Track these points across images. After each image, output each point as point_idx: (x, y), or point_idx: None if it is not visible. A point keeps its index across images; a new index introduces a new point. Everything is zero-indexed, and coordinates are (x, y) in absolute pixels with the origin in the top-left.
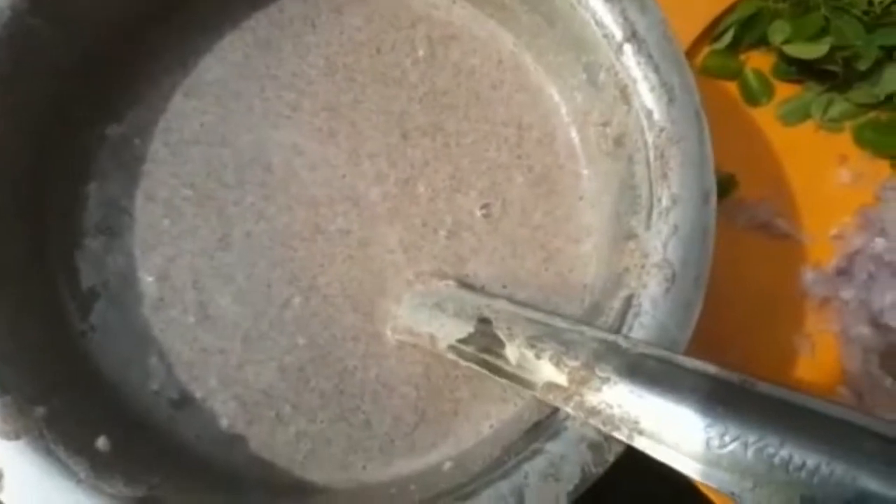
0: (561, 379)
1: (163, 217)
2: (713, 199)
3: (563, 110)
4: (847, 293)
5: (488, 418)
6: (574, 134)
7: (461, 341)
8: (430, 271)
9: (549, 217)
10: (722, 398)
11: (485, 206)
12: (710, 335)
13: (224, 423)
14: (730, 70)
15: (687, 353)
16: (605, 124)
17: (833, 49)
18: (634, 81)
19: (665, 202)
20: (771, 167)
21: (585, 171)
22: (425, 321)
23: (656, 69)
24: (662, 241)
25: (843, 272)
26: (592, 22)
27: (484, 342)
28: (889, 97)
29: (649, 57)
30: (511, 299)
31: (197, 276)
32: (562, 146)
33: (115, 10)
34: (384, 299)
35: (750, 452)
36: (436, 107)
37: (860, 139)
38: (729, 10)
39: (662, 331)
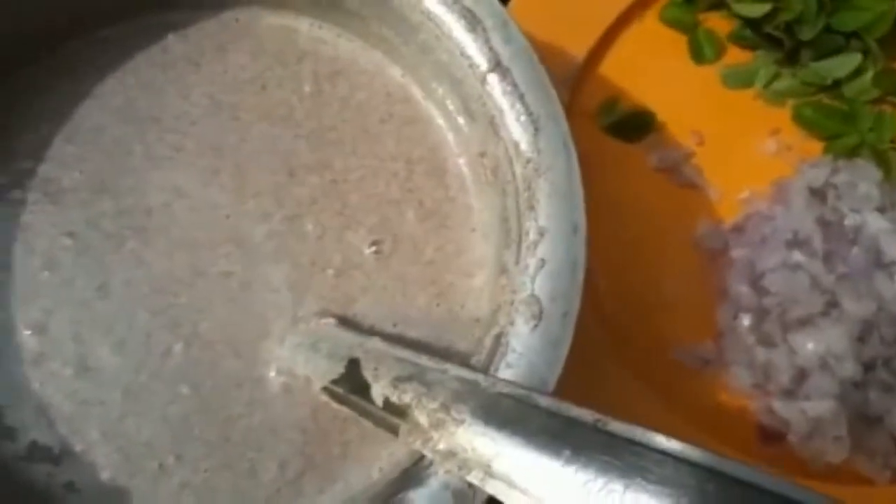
0: (421, 421)
1: (41, 269)
2: (582, 231)
3: (452, 141)
4: (737, 252)
5: (378, 460)
6: (463, 165)
7: (334, 382)
8: (315, 311)
9: (441, 252)
10: (572, 440)
11: (375, 243)
12: (604, 259)
13: (106, 475)
14: (684, 24)
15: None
16: (482, 155)
17: (777, 11)
18: (501, 112)
19: (532, 235)
20: (700, 121)
21: (476, 203)
22: (302, 363)
23: (522, 99)
24: (530, 275)
25: (738, 230)
26: (457, 52)
27: (353, 383)
28: (837, 82)
29: (514, 86)
30: (390, 338)
31: (76, 327)
32: (452, 178)
33: None
34: (268, 342)
35: (596, 498)
36: (323, 143)
37: (798, 116)
38: None
39: (530, 369)
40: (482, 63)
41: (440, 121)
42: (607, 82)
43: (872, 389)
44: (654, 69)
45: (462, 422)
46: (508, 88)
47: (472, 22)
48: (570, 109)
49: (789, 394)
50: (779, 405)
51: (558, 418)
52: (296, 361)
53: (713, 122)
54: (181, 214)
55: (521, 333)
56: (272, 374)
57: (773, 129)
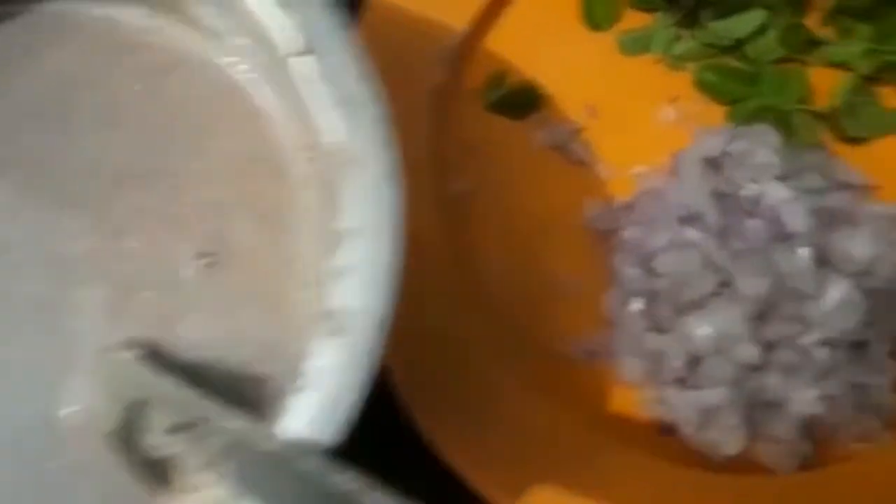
0: (182, 478)
1: None
2: (399, 232)
3: (290, 137)
4: (627, 232)
5: None
6: (303, 163)
7: (119, 425)
8: (126, 339)
9: (278, 260)
10: None
11: (206, 255)
12: (491, 245)
13: None
14: None
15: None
16: (308, 148)
17: None
18: (311, 100)
19: (341, 237)
20: (594, 93)
21: (315, 204)
22: (98, 401)
23: (332, 83)
24: (335, 284)
25: (627, 208)
26: (266, 34)
27: (134, 428)
28: (740, 42)
29: (324, 70)
30: (197, 370)
31: None
32: (293, 178)
33: None
34: (71, 376)
35: None
36: (155, 146)
37: (700, 80)
38: None
39: (331, 394)
40: (291, 46)
41: (277, 114)
42: (493, 56)
43: (773, 373)
44: (546, 39)
45: (219, 483)
46: (317, 73)
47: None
48: (452, 88)
49: (682, 382)
50: (670, 395)
51: (312, 487)
52: (94, 400)
53: (608, 93)
54: None
55: (322, 353)
56: (71, 412)
57: (672, 96)
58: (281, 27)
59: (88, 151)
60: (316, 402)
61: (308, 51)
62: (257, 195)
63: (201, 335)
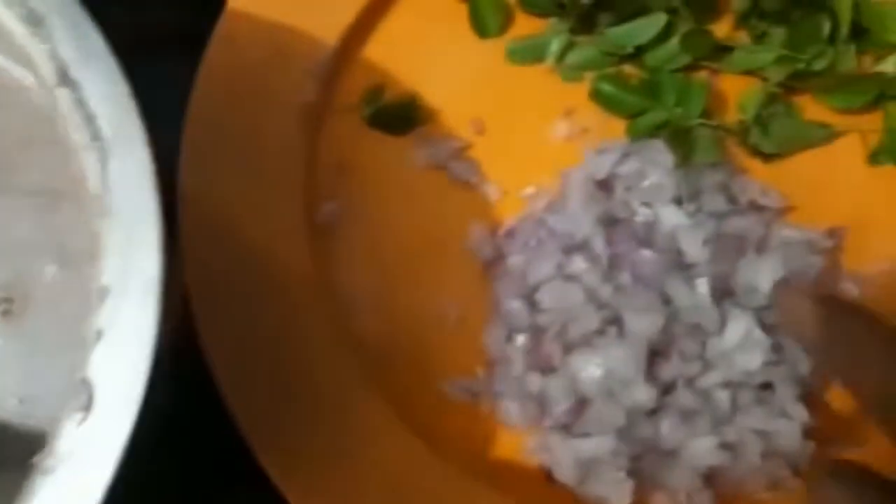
0: None
1: None
2: (157, 290)
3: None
4: (511, 260)
5: None
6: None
7: None
8: None
9: (85, 307)
10: None
11: (4, 302)
12: (366, 274)
13: None
14: None
15: None
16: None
17: None
18: (71, 136)
19: (95, 296)
20: (481, 106)
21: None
22: None
23: (92, 120)
24: (85, 350)
25: (510, 234)
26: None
27: None
28: (640, 50)
29: (84, 104)
30: None
31: None
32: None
33: None
34: None
35: None
36: None
37: (596, 92)
38: None
39: (76, 474)
40: (49, 76)
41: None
42: (373, 67)
43: (668, 418)
44: (429, 47)
45: None
46: (77, 106)
47: (34, 21)
48: (325, 104)
49: (566, 429)
50: (551, 442)
51: None
52: None
53: (497, 107)
54: None
55: (68, 428)
56: None
57: (567, 109)
58: (39, 55)
59: None
60: (63, 489)
61: (63, 83)
62: (61, 233)
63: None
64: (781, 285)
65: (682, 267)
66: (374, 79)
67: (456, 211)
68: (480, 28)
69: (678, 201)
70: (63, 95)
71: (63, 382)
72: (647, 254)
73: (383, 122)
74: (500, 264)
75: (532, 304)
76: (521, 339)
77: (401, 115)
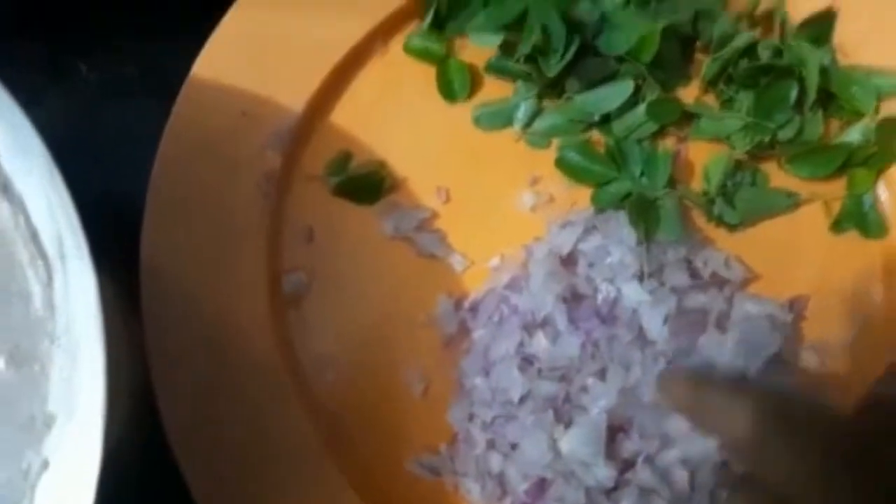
0: None
1: None
2: (101, 417)
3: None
4: (476, 335)
5: None
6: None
7: None
8: None
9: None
10: None
11: None
12: (335, 348)
13: None
14: (432, 54)
15: None
16: None
17: (513, 42)
18: (14, 252)
19: (39, 424)
20: (448, 174)
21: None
22: None
23: (34, 238)
24: (30, 483)
25: (474, 309)
26: None
27: None
28: (606, 117)
29: (26, 219)
30: None
31: None
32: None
33: None
34: None
35: None
36: None
37: (561, 161)
38: None
39: None
40: None
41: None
42: (339, 134)
43: (627, 496)
44: (398, 112)
45: None
46: (20, 221)
47: None
48: (289, 173)
49: None
50: None
51: None
52: None
53: (464, 174)
54: None
55: None
56: None
57: (534, 177)
58: None
59: None
60: None
61: (5, 196)
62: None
63: None
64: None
65: (644, 343)
66: (340, 146)
67: (422, 282)
68: (448, 92)
69: (641, 277)
70: (5, 209)
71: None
72: (609, 331)
73: (349, 192)
74: (465, 338)
75: (490, 382)
76: (481, 418)
77: (367, 185)
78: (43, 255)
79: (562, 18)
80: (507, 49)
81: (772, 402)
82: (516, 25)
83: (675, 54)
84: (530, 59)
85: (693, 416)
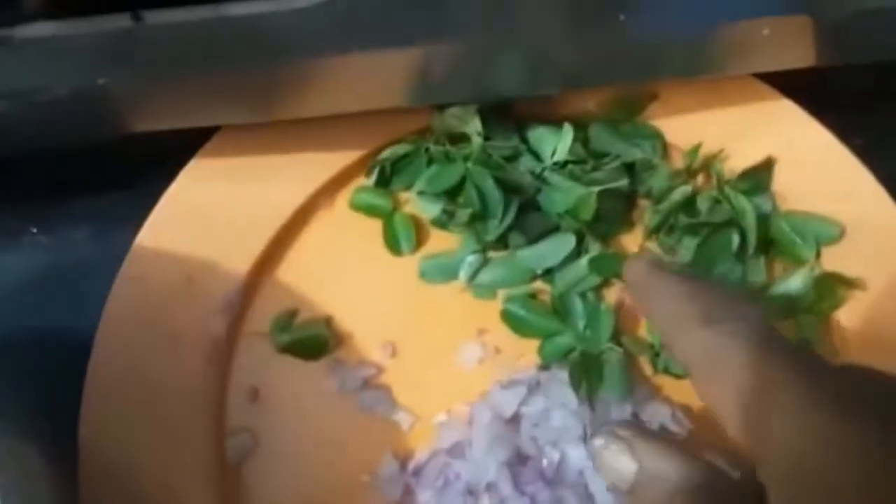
0: None
1: None
2: None
3: None
4: (421, 498)
5: None
6: None
7: None
8: None
9: None
10: None
11: None
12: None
13: None
14: (378, 210)
15: None
16: None
17: (452, 210)
18: None
19: None
20: (394, 328)
21: None
22: None
23: None
24: None
25: (418, 474)
26: None
27: None
28: (550, 270)
29: None
30: None
31: None
32: None
33: None
34: None
35: None
36: None
37: (506, 314)
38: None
39: None
40: None
41: None
42: (284, 292)
43: None
44: (344, 267)
45: None
46: None
47: None
48: (237, 333)
49: None
50: None
51: None
52: None
53: (410, 328)
54: None
55: None
56: None
57: (480, 329)
58: None
59: None
60: None
61: None
62: None
63: None
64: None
65: (591, 501)
66: (285, 304)
67: (367, 440)
68: (394, 247)
69: (584, 439)
70: None
71: None
72: (555, 493)
73: (294, 350)
74: (411, 501)
75: None
76: None
77: (311, 343)
78: None
79: (498, 183)
80: (448, 215)
81: None
82: (457, 189)
83: (615, 208)
84: (470, 222)
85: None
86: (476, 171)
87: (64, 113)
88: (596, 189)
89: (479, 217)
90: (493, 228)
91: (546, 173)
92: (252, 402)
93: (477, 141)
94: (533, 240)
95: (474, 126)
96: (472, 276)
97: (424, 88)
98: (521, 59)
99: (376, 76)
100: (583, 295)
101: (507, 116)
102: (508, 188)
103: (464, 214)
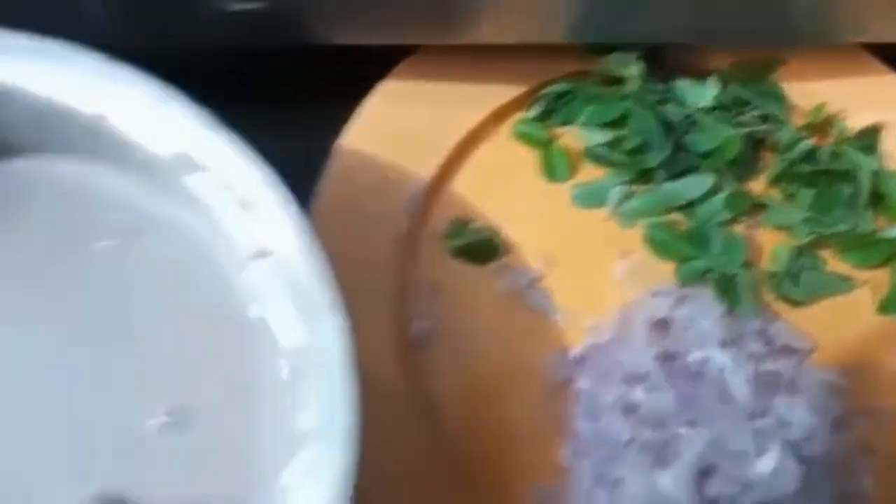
0: None
1: None
2: (355, 435)
3: (253, 308)
4: (581, 384)
5: None
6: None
7: None
8: (92, 497)
9: (244, 422)
10: None
11: (171, 413)
12: (452, 388)
13: None
14: (537, 140)
15: None
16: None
17: (619, 138)
18: (269, 300)
19: (297, 437)
20: (551, 243)
21: (284, 372)
22: None
23: (290, 290)
24: (290, 484)
25: (581, 361)
26: (223, 230)
27: None
28: (689, 203)
29: (286, 273)
30: None
31: None
32: (254, 345)
33: None
34: None
35: None
36: (121, 301)
37: (649, 238)
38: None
39: None
40: (248, 247)
41: (244, 287)
42: (457, 202)
43: None
44: (507, 187)
45: None
46: (276, 276)
47: (241, 202)
48: (418, 233)
49: None
50: None
51: None
52: None
53: (564, 244)
54: None
55: None
56: None
57: (624, 251)
58: (240, 227)
59: (48, 302)
60: None
61: (267, 253)
62: (221, 358)
63: (163, 495)
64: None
65: (727, 399)
66: (459, 212)
67: (530, 335)
68: (550, 174)
69: (724, 344)
70: (267, 264)
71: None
72: (698, 388)
73: (467, 254)
74: (569, 387)
75: (598, 426)
76: (588, 457)
77: (483, 249)
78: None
79: (658, 120)
80: (613, 144)
81: None
82: (617, 123)
83: (748, 154)
84: (632, 152)
85: None
86: (638, 108)
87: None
88: (743, 130)
89: (639, 149)
90: (653, 157)
91: (696, 115)
92: (432, 295)
93: (636, 83)
94: (674, 176)
95: (635, 69)
96: (619, 204)
97: (594, 25)
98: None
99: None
100: (717, 226)
101: (656, 67)
102: (664, 124)
103: (630, 142)
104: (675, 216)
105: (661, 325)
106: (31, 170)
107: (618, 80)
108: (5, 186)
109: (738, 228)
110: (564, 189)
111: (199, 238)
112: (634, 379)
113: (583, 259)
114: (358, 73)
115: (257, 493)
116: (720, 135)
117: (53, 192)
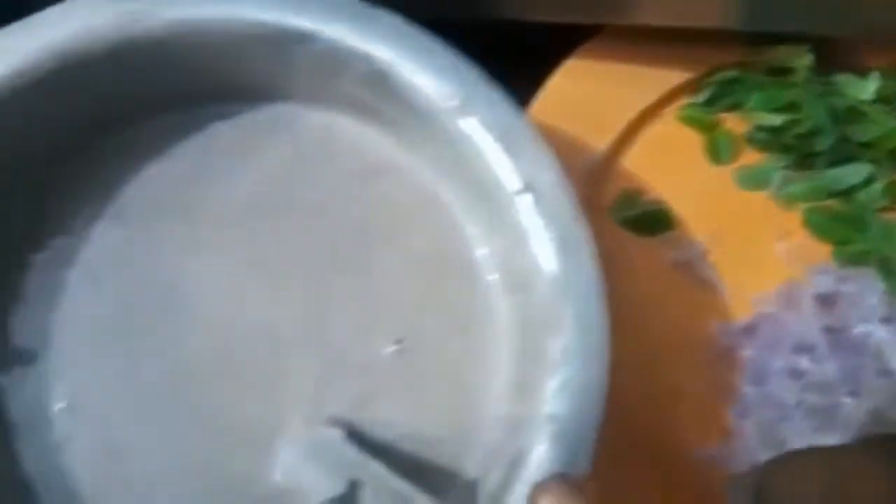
0: None
1: (75, 349)
2: (606, 354)
3: (480, 247)
4: (747, 352)
5: None
6: (489, 273)
7: (331, 501)
8: (330, 414)
9: (462, 354)
10: None
11: (399, 342)
12: (624, 353)
13: None
14: (703, 123)
15: None
16: (509, 268)
17: (791, 122)
18: (528, 232)
19: (555, 355)
20: (715, 220)
21: (498, 312)
22: (305, 472)
23: (551, 222)
24: (552, 395)
25: (749, 330)
26: (489, 170)
27: None
28: (848, 190)
29: (544, 209)
30: (397, 456)
31: (105, 409)
32: (477, 284)
33: (40, 139)
34: (280, 441)
35: None
36: (359, 240)
37: (809, 220)
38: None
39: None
40: (513, 183)
41: (470, 227)
42: (627, 176)
43: None
44: (672, 166)
45: None
46: (538, 211)
47: (507, 143)
48: (590, 202)
49: None
50: None
51: None
52: (300, 469)
53: (727, 222)
54: (217, 304)
55: (539, 453)
56: (278, 477)
57: (784, 231)
58: (503, 166)
59: (294, 238)
60: None
61: (527, 189)
62: (444, 294)
63: (394, 412)
64: None
65: (885, 374)
66: (629, 185)
67: (696, 305)
68: (714, 156)
69: (885, 320)
70: (524, 200)
71: (447, 407)
72: (860, 360)
73: (637, 225)
74: (734, 354)
75: (764, 391)
76: (753, 419)
77: (653, 221)
78: (558, 237)
79: (825, 109)
80: (780, 130)
81: None
82: (786, 109)
83: None
84: (801, 136)
85: None
86: (809, 96)
87: None
88: None
89: (809, 134)
90: (824, 141)
91: (860, 105)
92: (605, 265)
93: (806, 74)
94: (833, 163)
95: (806, 61)
96: (780, 188)
97: (762, 14)
98: None
99: None
100: (875, 213)
101: (820, 63)
102: (830, 113)
103: (801, 128)
104: (832, 202)
105: (827, 300)
106: (277, 115)
107: (784, 71)
108: (254, 128)
109: (892, 216)
110: (725, 171)
111: (428, 183)
112: (802, 348)
113: (745, 238)
114: (548, 52)
115: (472, 422)
116: (882, 126)
117: (297, 135)
